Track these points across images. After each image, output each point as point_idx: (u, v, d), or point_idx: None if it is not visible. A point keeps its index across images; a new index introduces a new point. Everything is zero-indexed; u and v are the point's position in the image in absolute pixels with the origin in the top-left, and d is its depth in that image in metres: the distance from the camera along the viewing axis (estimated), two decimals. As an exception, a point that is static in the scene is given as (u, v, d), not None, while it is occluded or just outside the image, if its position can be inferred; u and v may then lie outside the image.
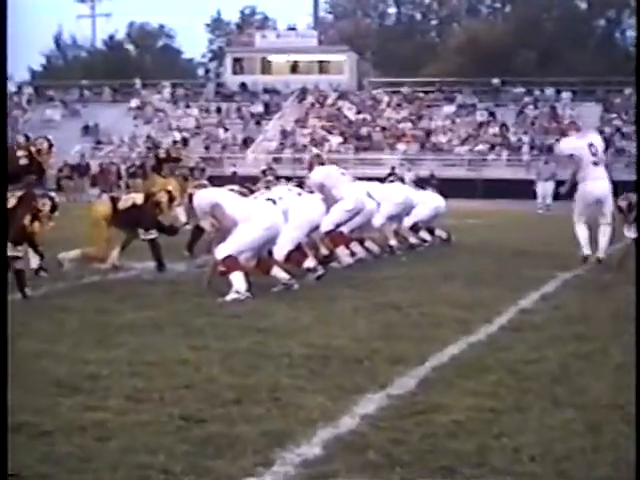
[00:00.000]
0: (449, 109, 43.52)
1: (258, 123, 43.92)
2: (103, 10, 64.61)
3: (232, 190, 9.61)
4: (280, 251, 9.56)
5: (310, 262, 9.80)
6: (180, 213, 14.71)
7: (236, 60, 50.62)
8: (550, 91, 44.08)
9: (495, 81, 45.49)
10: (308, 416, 4.64)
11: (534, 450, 4.16)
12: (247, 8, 76.26)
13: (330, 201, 10.77)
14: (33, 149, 10.54)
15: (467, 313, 7.69)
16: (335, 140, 40.68)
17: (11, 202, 8.70)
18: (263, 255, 9.24)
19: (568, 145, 11.54)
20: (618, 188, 11.69)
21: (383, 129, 41.84)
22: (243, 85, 47.99)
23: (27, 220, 8.60)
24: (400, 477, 3.89)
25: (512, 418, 4.66)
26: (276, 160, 37.45)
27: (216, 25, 77.54)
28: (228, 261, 8.63)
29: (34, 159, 10.38)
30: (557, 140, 35.48)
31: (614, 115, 40.30)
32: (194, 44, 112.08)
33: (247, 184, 12.14)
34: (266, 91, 47.04)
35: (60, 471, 3.87)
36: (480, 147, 39.53)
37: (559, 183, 25.95)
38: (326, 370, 5.64)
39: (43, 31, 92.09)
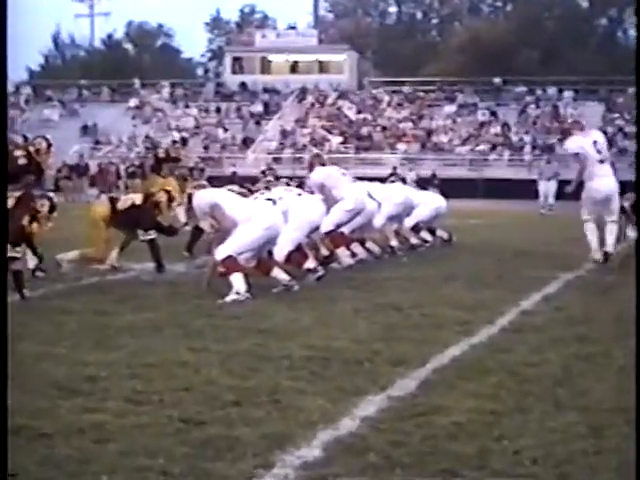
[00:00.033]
0: (450, 109, 43.48)
1: (258, 123, 43.91)
2: (102, 9, 64.52)
3: (232, 190, 9.60)
4: (280, 252, 9.54)
5: (310, 263, 9.78)
6: (180, 213, 14.70)
7: (235, 59, 50.61)
8: (552, 90, 44.05)
9: (496, 80, 45.43)
10: (308, 418, 4.62)
11: (535, 453, 4.14)
12: (247, 7, 76.33)
13: (330, 201, 10.76)
14: (32, 149, 10.49)
15: (468, 314, 7.67)
16: (335, 140, 40.68)
17: (9, 202, 8.68)
18: (263, 256, 9.21)
19: (573, 144, 11.54)
20: (620, 188, 11.68)
21: (384, 129, 41.83)
22: (243, 85, 47.98)
23: (26, 221, 8.58)
24: (400, 479, 3.87)
25: (513, 420, 4.64)
26: (276, 160, 37.47)
27: (215, 24, 77.48)
28: (228, 262, 8.61)
29: (33, 159, 10.33)
30: (559, 140, 35.62)
31: (616, 115, 40.15)
32: (193, 43, 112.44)
33: (247, 184, 12.14)
34: (266, 91, 47.01)
35: (59, 474, 3.87)
36: (481, 147, 39.51)
37: (561, 183, 26.02)
38: (326, 372, 5.62)
39: (41, 30, 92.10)
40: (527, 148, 38.71)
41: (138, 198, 10.74)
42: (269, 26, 66.10)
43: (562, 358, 5.99)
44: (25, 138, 13.96)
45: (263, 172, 17.23)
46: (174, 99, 47.31)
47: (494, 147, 39.38)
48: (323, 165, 11.76)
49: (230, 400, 4.94)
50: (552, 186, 27.87)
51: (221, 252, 8.68)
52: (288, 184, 11.94)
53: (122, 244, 10.85)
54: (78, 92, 49.22)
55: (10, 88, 45.36)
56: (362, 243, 11.78)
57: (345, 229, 11.28)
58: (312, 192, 10.90)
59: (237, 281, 8.43)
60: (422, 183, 24.89)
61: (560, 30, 60.32)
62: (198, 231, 12.02)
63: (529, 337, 6.77)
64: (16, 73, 54.70)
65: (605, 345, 6.39)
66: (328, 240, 11.13)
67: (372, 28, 70.45)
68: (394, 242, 12.59)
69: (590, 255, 11.34)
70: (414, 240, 13.32)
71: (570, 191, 11.58)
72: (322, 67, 49.68)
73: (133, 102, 46.54)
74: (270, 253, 9.41)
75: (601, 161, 11.26)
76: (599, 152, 11.25)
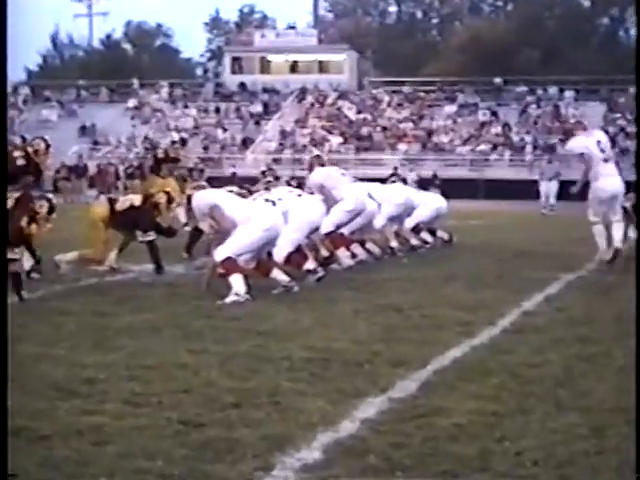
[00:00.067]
0: (451, 109, 43.44)
1: (257, 123, 43.89)
2: (100, 9, 64.51)
3: (231, 191, 9.57)
4: (280, 253, 9.52)
5: (310, 264, 9.76)
6: (180, 214, 14.68)
7: (235, 59, 50.59)
8: (553, 90, 43.98)
9: (497, 80, 45.38)
10: (308, 420, 4.61)
11: (537, 454, 4.13)
12: (246, 7, 76.32)
13: (330, 202, 10.73)
14: (30, 150, 10.46)
15: (469, 315, 7.65)
16: (335, 140, 40.66)
17: (8, 203, 8.65)
18: (263, 257, 9.20)
19: (577, 144, 11.53)
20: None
21: (384, 129, 41.80)
22: (242, 85, 47.95)
23: (24, 222, 8.55)
24: (401, 482, 3.86)
25: (514, 422, 4.63)
26: (276, 161, 37.43)
27: (215, 24, 77.46)
28: (227, 263, 8.59)
29: (31, 160, 10.30)
30: (561, 140, 35.61)
31: (618, 115, 40.00)
32: (192, 43, 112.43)
33: (246, 185, 12.11)
34: (265, 91, 46.98)
35: (57, 476, 3.86)
36: (482, 147, 39.46)
37: (563, 183, 25.99)
38: (326, 373, 5.61)
39: (40, 30, 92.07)
40: (528, 148, 38.64)
41: (137, 199, 10.73)
42: (268, 26, 66.10)
43: (564, 359, 5.98)
44: (23, 139, 13.88)
45: (263, 173, 17.18)
46: (173, 99, 47.27)
47: (495, 147, 39.34)
48: (323, 166, 11.74)
49: (230, 402, 4.93)
50: (553, 186, 27.85)
51: (220, 253, 8.66)
52: (289, 183, 11.94)
53: (121, 245, 10.84)
54: (76, 92, 49.17)
55: (8, 88, 45.36)
56: (362, 244, 11.76)
57: (345, 230, 11.26)
58: (312, 193, 10.88)
59: (237, 282, 8.41)
60: (423, 183, 24.93)
61: (561, 29, 60.31)
62: (197, 232, 12.01)
63: (530, 338, 6.75)
64: (14, 73, 54.76)
65: (607, 346, 6.37)
66: (328, 241, 11.11)
67: (372, 28, 70.45)
68: (394, 243, 12.56)
69: (598, 256, 11.33)
70: (414, 241, 13.30)
71: (575, 191, 11.56)
72: (322, 67, 49.66)
73: (132, 102, 46.51)
74: (270, 254, 9.39)
75: (605, 160, 11.27)
76: (603, 151, 11.27)
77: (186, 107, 46.03)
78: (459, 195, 25.56)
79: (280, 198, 9.83)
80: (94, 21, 65.11)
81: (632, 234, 11.65)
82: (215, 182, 13.79)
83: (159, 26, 74.90)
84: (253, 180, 16.42)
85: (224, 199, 9.08)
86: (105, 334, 6.78)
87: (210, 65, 72.57)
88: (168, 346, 6.34)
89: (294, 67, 50.17)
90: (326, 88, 46.43)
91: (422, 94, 45.22)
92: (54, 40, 68.98)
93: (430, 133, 41.35)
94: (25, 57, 64.97)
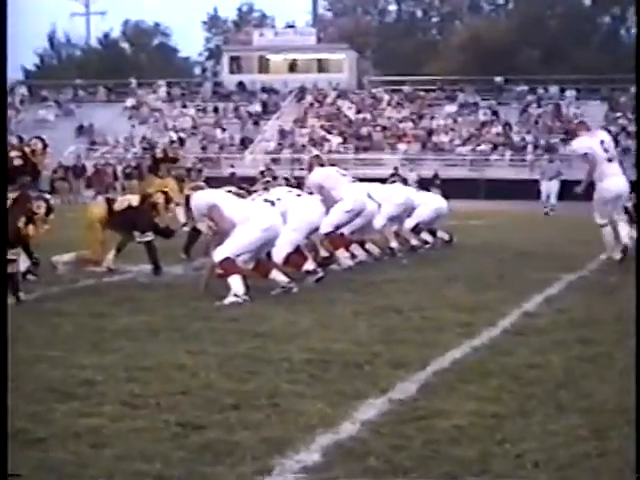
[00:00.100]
0: (451, 108, 43.46)
1: (256, 123, 43.89)
2: (98, 8, 64.68)
3: (230, 191, 9.54)
4: (279, 253, 9.50)
5: (309, 265, 9.73)
6: (180, 214, 14.64)
7: (233, 59, 50.60)
8: (554, 89, 44.01)
9: (498, 79, 45.41)
10: (308, 422, 4.59)
11: (538, 456, 4.11)
12: (244, 5, 76.40)
13: (329, 202, 10.71)
14: (27, 150, 10.43)
15: (469, 316, 7.63)
16: (335, 140, 40.68)
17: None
18: (261, 257, 9.18)
19: (581, 144, 11.52)
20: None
21: (384, 129, 41.81)
22: (241, 84, 47.95)
23: (21, 223, 8.52)
24: (401, 484, 3.85)
25: (515, 424, 4.61)
26: (274, 161, 37.45)
27: (213, 23, 77.44)
28: (226, 264, 8.56)
29: (28, 160, 10.27)
30: (563, 140, 35.58)
31: (619, 114, 39.97)
32: (190, 42, 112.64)
33: (245, 185, 12.08)
34: (264, 90, 46.99)
35: (55, 478, 3.84)
36: (482, 147, 39.48)
37: (565, 183, 25.97)
38: (326, 375, 5.59)
39: (37, 30, 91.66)
40: (529, 148, 38.66)
41: (135, 199, 10.72)
42: (267, 25, 66.19)
43: (564, 360, 5.95)
44: (20, 139, 13.87)
45: (262, 173, 17.17)
46: (171, 99, 47.28)
47: (495, 147, 39.36)
48: (322, 166, 11.71)
49: (228, 404, 4.91)
50: (554, 186, 27.82)
51: (219, 254, 8.63)
52: (287, 179, 11.91)
53: (118, 246, 10.81)
54: (74, 92, 49.22)
55: (5, 88, 45.27)
56: (362, 244, 11.74)
57: (345, 230, 11.23)
58: (311, 193, 10.85)
59: (235, 283, 8.38)
60: (424, 184, 24.91)
61: (562, 28, 60.32)
62: (195, 233, 11.99)
63: (531, 339, 6.73)
64: (11, 73, 54.68)
65: (608, 347, 6.35)
66: (327, 241, 11.09)
67: (372, 26, 70.50)
68: (394, 243, 12.53)
69: (606, 256, 11.34)
70: (414, 241, 13.28)
71: (580, 192, 11.55)
72: (321, 66, 49.68)
73: (130, 102, 46.53)
74: (269, 255, 9.37)
75: (609, 160, 11.27)
76: (606, 151, 11.27)
77: (184, 107, 46.04)
78: (459, 195, 25.59)
79: (279, 198, 9.81)
80: (91, 20, 65.31)
81: (633, 234, 11.63)
82: (213, 182, 13.73)
83: (157, 25, 74.97)
84: (252, 180, 16.38)
85: (223, 199, 9.05)
86: (102, 335, 6.76)
87: (208, 64, 72.55)
88: (166, 347, 6.32)
89: (293, 66, 50.19)
90: (325, 87, 46.45)
91: (422, 93, 45.28)
92: (51, 39, 68.88)
93: (430, 133, 41.37)
94: (22, 56, 64.81)
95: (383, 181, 14.36)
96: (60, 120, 44.97)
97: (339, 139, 40.87)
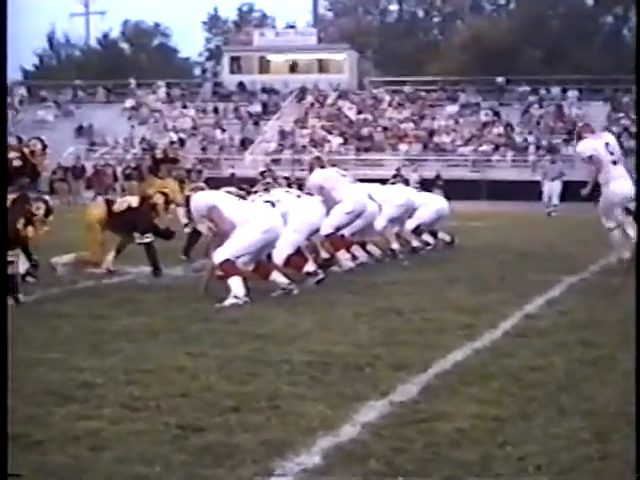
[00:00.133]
0: (452, 109, 43.40)
1: (256, 123, 43.86)
2: (97, 8, 64.65)
3: (230, 192, 9.52)
4: (279, 255, 9.48)
5: (310, 266, 9.72)
6: (181, 215, 14.62)
7: (233, 59, 50.56)
8: (556, 90, 43.92)
9: (499, 80, 45.33)
10: (308, 424, 4.58)
11: (539, 459, 4.10)
12: (245, 5, 76.30)
13: (330, 203, 10.69)
14: (26, 150, 10.39)
15: (471, 318, 7.61)
16: (335, 141, 40.65)
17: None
18: (262, 259, 9.16)
19: (586, 147, 11.49)
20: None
21: (385, 129, 41.77)
22: (241, 85, 47.92)
23: (20, 224, 8.51)
24: (402, 487, 3.84)
25: (517, 426, 4.59)
26: (275, 161, 37.37)
27: (213, 23, 77.38)
28: (226, 265, 8.55)
29: (28, 161, 10.23)
30: (564, 141, 35.50)
31: (622, 114, 39.84)
32: (190, 43, 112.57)
33: (245, 186, 12.05)
34: (264, 91, 46.95)
35: (54, 482, 3.82)
36: (484, 147, 39.43)
37: (566, 184, 25.94)
38: (326, 377, 5.58)
39: (36, 30, 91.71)
40: (531, 149, 38.57)
41: (134, 200, 10.71)
42: (268, 25, 66.14)
43: (566, 363, 5.94)
44: (19, 139, 13.83)
45: (262, 173, 17.12)
46: (171, 99, 47.23)
47: (497, 148, 39.30)
48: (323, 167, 11.70)
49: (229, 406, 4.90)
50: (556, 186, 27.76)
51: (219, 255, 8.62)
52: (288, 178, 11.88)
53: (118, 247, 10.80)
54: (73, 92, 49.19)
55: (4, 88, 45.21)
56: (363, 246, 11.73)
57: (345, 232, 11.22)
58: (311, 194, 10.84)
59: (235, 285, 8.37)
60: (426, 184, 24.89)
61: (564, 28, 60.20)
62: (195, 234, 11.97)
63: (533, 341, 6.71)
64: (10, 73, 54.68)
65: (609, 349, 6.34)
66: (328, 243, 11.08)
67: (373, 27, 70.45)
68: (395, 245, 12.51)
69: (615, 257, 11.32)
70: (415, 243, 13.26)
71: (585, 194, 11.52)
72: (322, 66, 49.65)
73: (129, 102, 46.48)
74: (269, 256, 9.35)
75: (614, 162, 11.25)
76: (612, 154, 11.25)
77: (184, 107, 45.99)
78: (461, 196, 25.58)
79: (279, 199, 9.79)
80: (91, 20, 65.27)
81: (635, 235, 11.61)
82: (213, 183, 13.71)
83: (157, 25, 74.89)
84: (252, 181, 16.36)
85: (223, 200, 9.03)
86: (102, 337, 6.75)
87: (208, 65, 72.61)
88: (166, 349, 6.31)
89: (293, 67, 50.15)
90: (326, 88, 46.41)
91: (423, 94, 45.21)
92: (50, 39, 68.69)
93: (431, 133, 41.33)
94: (21, 57, 64.81)
95: (384, 182, 14.34)
96: (59, 121, 44.93)
97: (340, 140, 40.84)
